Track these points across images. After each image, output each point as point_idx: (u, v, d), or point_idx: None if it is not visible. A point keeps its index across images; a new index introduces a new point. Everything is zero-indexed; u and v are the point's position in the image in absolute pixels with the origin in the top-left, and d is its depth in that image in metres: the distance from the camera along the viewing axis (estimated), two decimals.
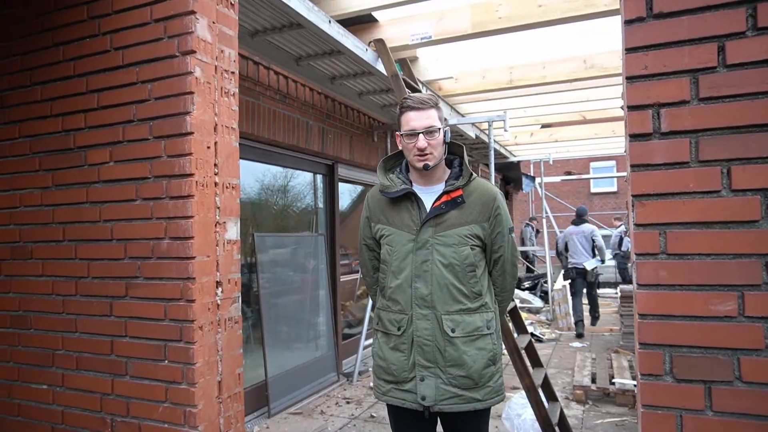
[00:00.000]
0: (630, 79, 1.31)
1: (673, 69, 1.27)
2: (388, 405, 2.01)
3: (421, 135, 1.89)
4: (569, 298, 7.84)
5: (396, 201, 1.98)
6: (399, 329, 1.92)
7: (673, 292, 1.26)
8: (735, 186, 1.21)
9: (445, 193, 1.93)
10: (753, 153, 1.20)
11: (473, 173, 1.99)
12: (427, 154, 1.90)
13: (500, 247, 1.96)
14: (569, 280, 7.82)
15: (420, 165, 1.92)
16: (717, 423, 1.21)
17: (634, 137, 1.31)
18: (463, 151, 2.05)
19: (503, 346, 2.30)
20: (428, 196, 1.96)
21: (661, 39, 1.28)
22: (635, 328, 1.31)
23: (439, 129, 1.92)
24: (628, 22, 1.32)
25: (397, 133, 2.01)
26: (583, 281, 7.59)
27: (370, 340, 5.82)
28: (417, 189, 1.98)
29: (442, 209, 1.91)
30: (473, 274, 1.90)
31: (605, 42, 5.08)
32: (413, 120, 1.91)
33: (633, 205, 1.31)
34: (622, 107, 1.37)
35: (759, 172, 1.19)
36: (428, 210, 1.93)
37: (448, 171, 2.02)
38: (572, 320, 7.58)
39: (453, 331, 1.86)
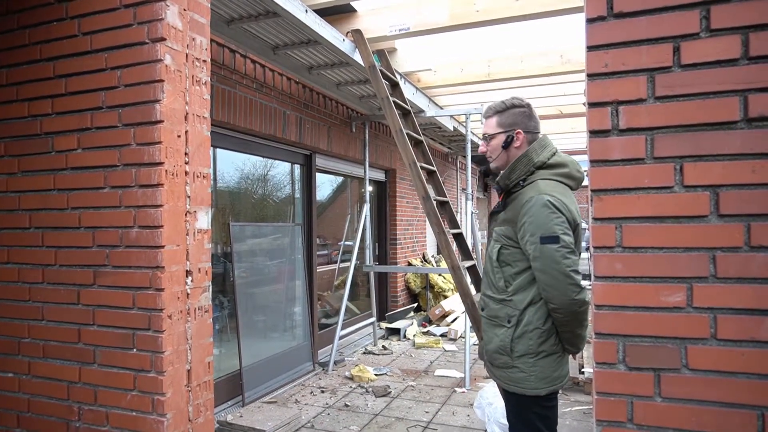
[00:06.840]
0: (591, 76, 1.35)
1: (632, 68, 1.30)
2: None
3: (483, 141, 2.16)
4: None
5: None
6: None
7: (627, 283, 1.30)
8: (687, 182, 1.26)
9: (500, 194, 2.15)
10: (704, 151, 1.24)
11: (527, 178, 1.99)
12: (489, 157, 2.13)
13: (531, 256, 1.90)
14: None
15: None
16: (665, 408, 1.26)
17: (593, 133, 1.35)
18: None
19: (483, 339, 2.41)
20: None
21: (620, 38, 1.32)
22: (592, 318, 1.36)
23: (494, 135, 2.09)
24: (589, 21, 1.35)
25: None
26: None
27: (346, 330, 5.86)
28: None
29: (496, 208, 2.15)
30: (498, 269, 2.05)
31: (582, 38, 5.12)
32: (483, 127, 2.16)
33: (592, 200, 1.35)
34: (584, 104, 1.41)
35: (709, 169, 1.24)
36: None
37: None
38: None
39: (482, 309, 2.13)
